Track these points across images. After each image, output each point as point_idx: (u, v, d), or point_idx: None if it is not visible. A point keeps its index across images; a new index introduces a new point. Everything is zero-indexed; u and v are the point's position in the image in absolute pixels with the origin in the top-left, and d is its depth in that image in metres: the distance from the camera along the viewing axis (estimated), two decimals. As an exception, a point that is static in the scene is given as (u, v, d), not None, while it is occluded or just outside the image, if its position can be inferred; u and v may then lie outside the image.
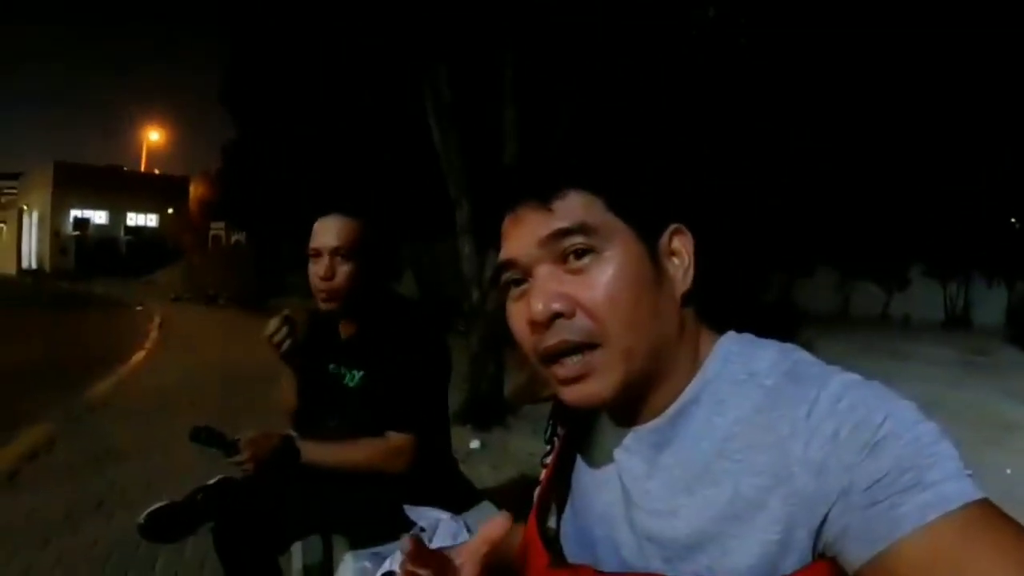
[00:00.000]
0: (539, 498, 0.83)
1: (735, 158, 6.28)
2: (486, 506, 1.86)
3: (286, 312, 1.83)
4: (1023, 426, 4.86)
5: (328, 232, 1.69)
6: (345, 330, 1.81)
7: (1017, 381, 6.46)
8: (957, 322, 12.05)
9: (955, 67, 7.43)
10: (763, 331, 0.71)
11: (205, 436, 1.65)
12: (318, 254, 1.69)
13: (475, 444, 4.39)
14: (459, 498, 1.78)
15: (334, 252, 1.67)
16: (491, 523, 0.73)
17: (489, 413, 4.89)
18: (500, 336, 4.87)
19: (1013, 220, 11.73)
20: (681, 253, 0.70)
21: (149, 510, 1.60)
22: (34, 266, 31.07)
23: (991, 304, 11.60)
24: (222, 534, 1.59)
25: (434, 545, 1.48)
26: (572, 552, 0.76)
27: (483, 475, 3.65)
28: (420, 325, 1.74)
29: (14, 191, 35.75)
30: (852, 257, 12.32)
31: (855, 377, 0.61)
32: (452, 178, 4.94)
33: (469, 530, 1.57)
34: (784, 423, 0.60)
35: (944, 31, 6.65)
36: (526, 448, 4.25)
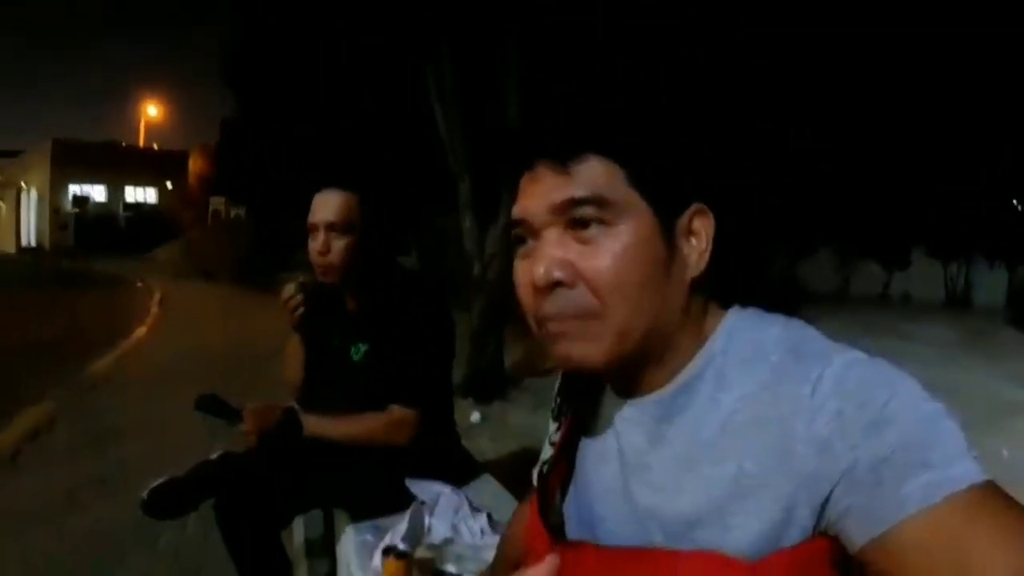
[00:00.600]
0: (544, 477, 0.83)
1: (742, 135, 6.23)
2: (487, 479, 1.87)
3: (302, 279, 1.84)
4: (1022, 408, 4.86)
5: (324, 207, 1.69)
6: (350, 304, 1.81)
7: (1017, 363, 6.46)
8: (957, 303, 12.03)
9: (958, 48, 7.37)
10: (767, 309, 0.70)
11: (210, 404, 1.66)
12: (315, 229, 1.69)
13: (475, 417, 4.41)
14: (460, 471, 1.80)
15: (330, 227, 1.67)
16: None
17: (490, 386, 4.91)
18: (501, 309, 4.88)
19: (1015, 201, 11.67)
20: (700, 234, 0.68)
21: (151, 486, 1.61)
22: (33, 244, 30.98)
23: (992, 285, 11.56)
24: (224, 509, 1.60)
25: (435, 518, 1.50)
26: (574, 530, 0.76)
27: (484, 448, 3.67)
28: (425, 299, 1.74)
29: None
30: (854, 236, 12.27)
31: (859, 354, 0.60)
32: (454, 153, 4.92)
33: (470, 503, 1.58)
34: (787, 400, 0.59)
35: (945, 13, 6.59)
36: (527, 421, 4.27)
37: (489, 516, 1.54)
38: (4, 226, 33.85)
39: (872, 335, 7.38)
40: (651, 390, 0.69)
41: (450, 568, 1.24)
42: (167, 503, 1.62)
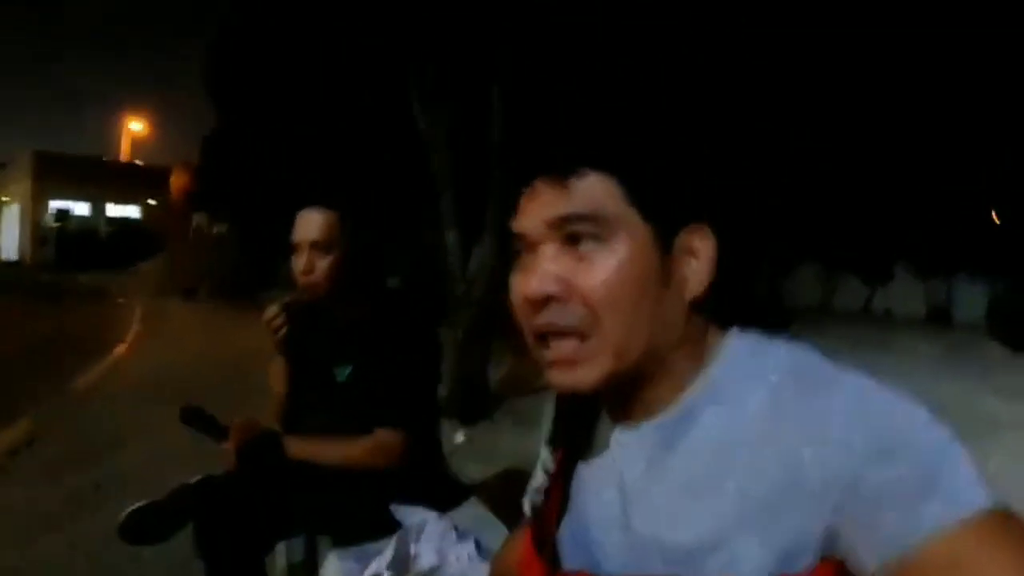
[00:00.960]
0: (538, 506, 0.81)
1: (744, 154, 6.26)
2: (474, 503, 1.84)
3: (287, 299, 1.81)
4: (1005, 422, 4.90)
5: (307, 226, 1.68)
6: (335, 323, 1.78)
7: (1001, 377, 6.52)
8: (938, 317, 12.14)
9: (941, 63, 7.49)
10: (754, 325, 0.69)
11: (195, 417, 1.64)
12: (299, 248, 1.68)
13: (460, 438, 4.34)
14: (446, 496, 1.77)
15: (313, 246, 1.66)
16: None
17: (475, 406, 4.84)
18: (487, 328, 4.83)
19: (995, 211, 11.80)
20: (700, 253, 0.67)
21: (129, 510, 1.57)
22: (14, 258, 30.63)
23: (973, 300, 11.68)
24: (205, 535, 1.56)
25: (421, 545, 1.47)
26: (569, 556, 0.73)
27: (470, 470, 3.61)
28: (410, 318, 1.72)
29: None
30: (836, 251, 12.38)
31: (867, 379, 0.59)
32: (438, 170, 4.89)
33: (456, 529, 1.55)
34: (793, 425, 0.58)
35: (936, 27, 6.69)
36: (514, 442, 4.21)
37: (477, 542, 1.51)
38: (-16, 241, 33.43)
39: (858, 350, 7.42)
40: (650, 414, 0.67)
41: (438, 596, 1.21)
42: (144, 529, 1.58)
